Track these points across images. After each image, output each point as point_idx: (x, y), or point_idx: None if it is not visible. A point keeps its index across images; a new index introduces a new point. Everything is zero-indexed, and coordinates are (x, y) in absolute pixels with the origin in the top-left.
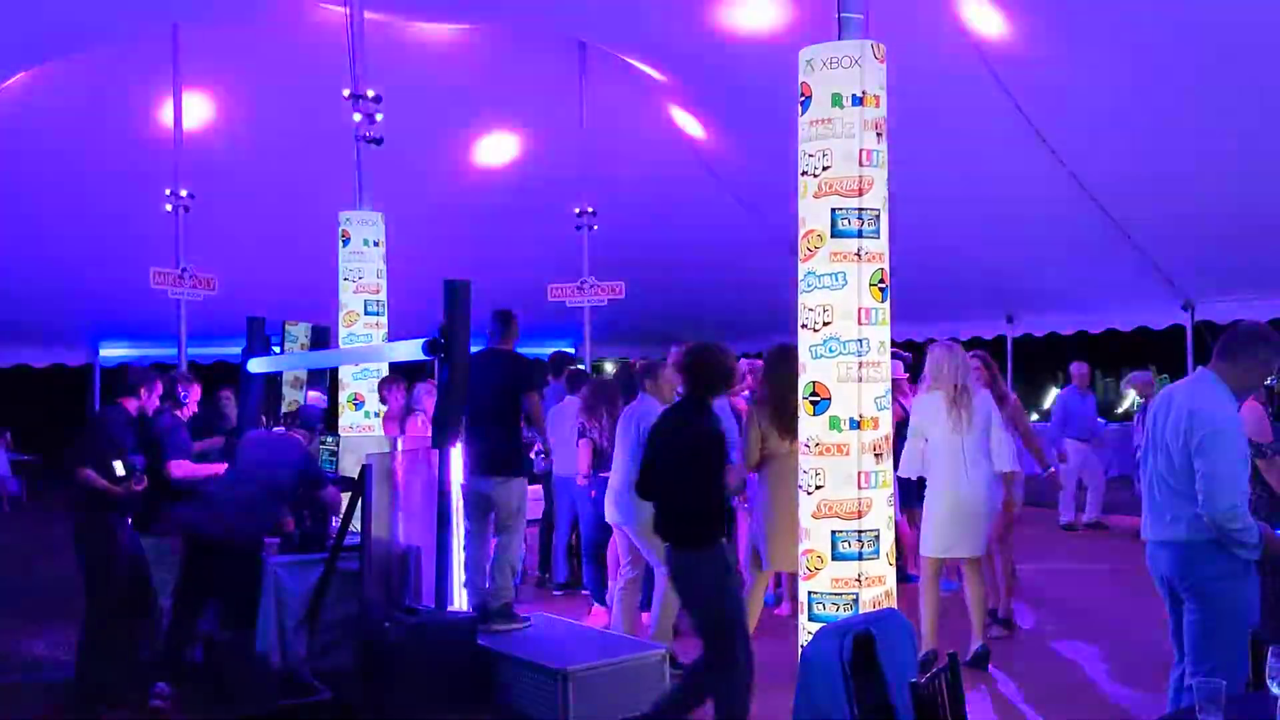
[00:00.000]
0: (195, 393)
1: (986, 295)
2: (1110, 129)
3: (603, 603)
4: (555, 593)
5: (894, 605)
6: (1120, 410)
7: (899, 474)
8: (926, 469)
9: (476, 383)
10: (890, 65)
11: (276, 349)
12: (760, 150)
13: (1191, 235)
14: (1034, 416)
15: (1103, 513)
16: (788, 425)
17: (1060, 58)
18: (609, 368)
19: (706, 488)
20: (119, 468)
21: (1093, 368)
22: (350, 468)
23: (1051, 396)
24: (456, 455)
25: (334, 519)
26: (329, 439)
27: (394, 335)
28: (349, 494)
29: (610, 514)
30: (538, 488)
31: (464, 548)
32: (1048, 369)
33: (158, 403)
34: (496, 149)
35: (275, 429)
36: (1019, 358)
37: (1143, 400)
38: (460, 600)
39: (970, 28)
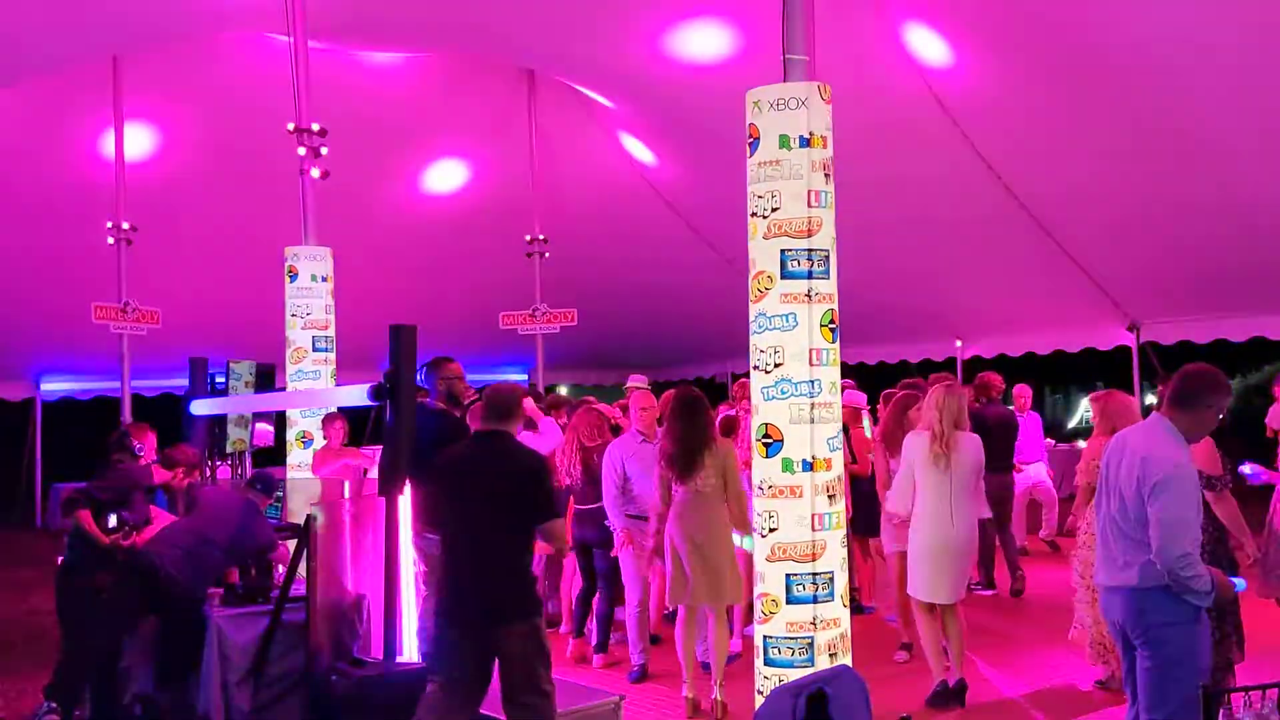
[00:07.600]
0: (150, 440)
1: (937, 318)
2: (1056, 157)
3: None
4: None
5: (849, 647)
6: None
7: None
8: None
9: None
10: (839, 92)
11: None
12: (711, 175)
13: (1136, 259)
14: None
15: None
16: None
17: (1006, 86)
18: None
19: None
20: (112, 520)
21: (1040, 386)
22: (298, 508)
23: None
24: (404, 503)
25: (279, 567)
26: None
27: (343, 368)
28: (294, 542)
29: None
30: None
31: (423, 598)
32: None
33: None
34: (445, 177)
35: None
36: (969, 379)
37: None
38: (411, 650)
39: (916, 55)
